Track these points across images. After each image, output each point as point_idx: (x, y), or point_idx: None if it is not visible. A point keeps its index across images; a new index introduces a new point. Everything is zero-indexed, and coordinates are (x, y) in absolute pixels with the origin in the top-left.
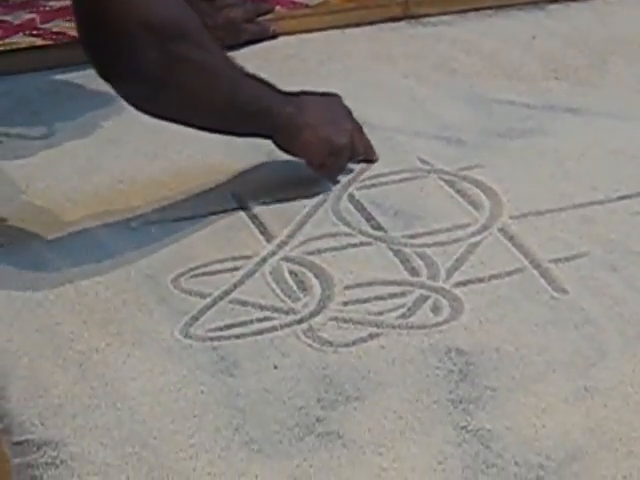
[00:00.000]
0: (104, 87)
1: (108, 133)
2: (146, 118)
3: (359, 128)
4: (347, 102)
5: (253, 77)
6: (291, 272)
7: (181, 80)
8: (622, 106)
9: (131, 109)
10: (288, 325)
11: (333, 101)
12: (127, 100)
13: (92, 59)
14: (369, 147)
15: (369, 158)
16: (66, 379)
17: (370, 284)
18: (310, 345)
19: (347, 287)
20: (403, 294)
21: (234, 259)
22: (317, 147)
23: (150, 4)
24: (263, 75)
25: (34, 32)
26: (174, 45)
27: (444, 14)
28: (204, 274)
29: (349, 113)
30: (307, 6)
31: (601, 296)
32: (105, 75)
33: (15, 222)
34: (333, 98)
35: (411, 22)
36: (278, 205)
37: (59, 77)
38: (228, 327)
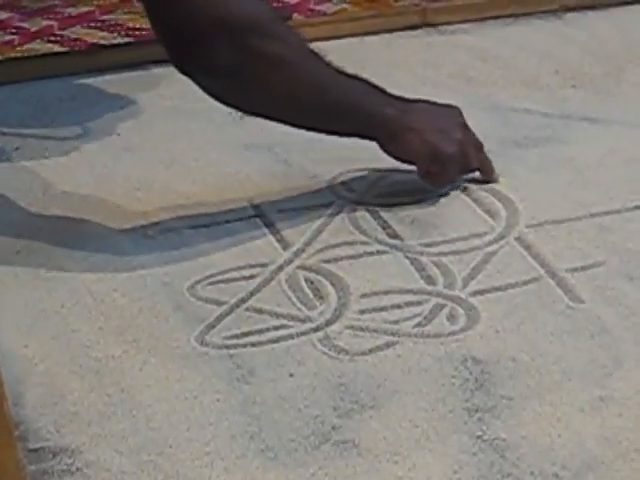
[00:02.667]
0: (122, 93)
1: (125, 140)
2: (163, 125)
3: (477, 144)
4: None
5: (349, 75)
6: (307, 280)
7: (258, 74)
8: (635, 114)
9: (148, 115)
10: (304, 333)
11: (448, 111)
12: (210, 94)
13: (169, 54)
14: (488, 165)
15: (487, 178)
16: (82, 386)
17: (386, 292)
18: (326, 353)
19: (363, 295)
20: (419, 303)
21: (250, 267)
22: (420, 151)
23: None
24: None
25: (52, 38)
26: (248, 38)
27: (462, 22)
28: (220, 282)
29: (465, 126)
30: (325, 14)
31: (617, 305)
32: (183, 70)
33: (32, 228)
34: (450, 109)
35: (429, 30)
36: (295, 213)
37: (77, 83)
38: (244, 335)
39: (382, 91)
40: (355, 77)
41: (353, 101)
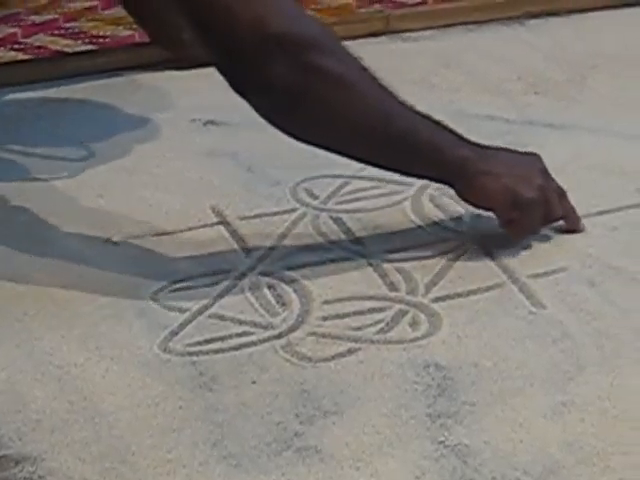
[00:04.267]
0: (86, 101)
1: (88, 147)
2: (127, 132)
3: (560, 191)
4: None
5: (416, 111)
6: (270, 287)
7: (319, 92)
8: (601, 121)
9: (112, 122)
10: (267, 340)
11: (527, 158)
12: (264, 116)
13: (225, 75)
14: (572, 214)
15: (572, 227)
16: (45, 394)
17: (349, 299)
18: (288, 360)
19: (326, 302)
20: (382, 309)
21: (213, 274)
22: (499, 196)
23: (280, 15)
24: None
25: (16, 46)
26: (308, 55)
27: (425, 29)
28: (183, 289)
29: (546, 172)
30: None
31: (579, 311)
32: (238, 89)
33: None
34: (529, 155)
35: (392, 37)
36: (258, 220)
37: (41, 91)
38: (207, 342)
39: (454, 132)
40: (424, 114)
41: (421, 136)
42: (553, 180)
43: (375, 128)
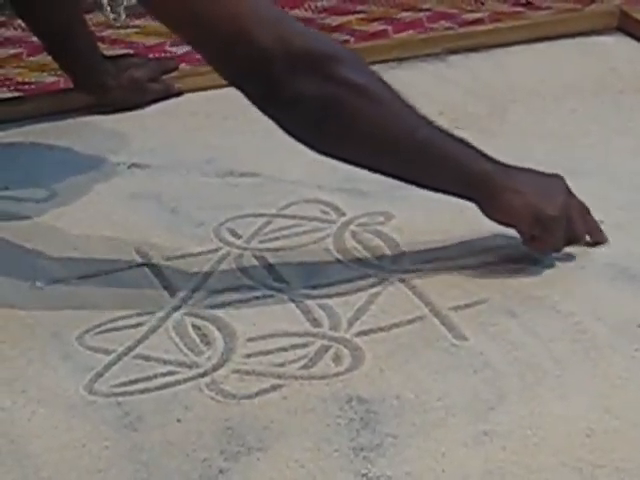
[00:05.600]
0: (11, 147)
1: (14, 193)
2: (52, 177)
3: (583, 208)
4: (250, 154)
5: (440, 127)
6: (194, 326)
7: (347, 103)
8: (520, 152)
9: (37, 168)
10: (191, 379)
11: (551, 178)
12: (292, 132)
13: (248, 93)
14: (596, 229)
15: (597, 240)
16: None
17: (272, 336)
18: (213, 398)
19: (250, 339)
20: (305, 345)
21: (138, 315)
22: (522, 213)
23: (301, 34)
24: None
25: None
26: (333, 68)
27: None
28: (109, 330)
29: (568, 191)
30: None
31: (500, 341)
32: (266, 108)
33: None
34: (552, 176)
35: None
36: (182, 260)
37: None
38: (132, 382)
39: (478, 149)
40: (447, 130)
41: (446, 150)
42: (576, 198)
43: (401, 138)
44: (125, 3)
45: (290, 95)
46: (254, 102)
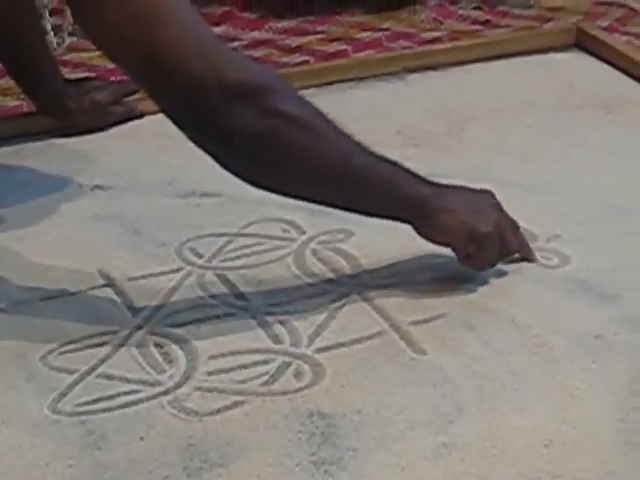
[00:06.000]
0: None
1: None
2: (15, 200)
3: (514, 225)
4: (211, 175)
5: (375, 153)
6: (157, 345)
7: (284, 134)
8: (478, 169)
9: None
10: (154, 397)
11: (482, 194)
12: (226, 165)
13: (181, 125)
14: (526, 247)
15: (527, 258)
16: None
17: (234, 353)
18: (175, 415)
19: (211, 357)
20: (266, 362)
21: (101, 335)
22: (456, 232)
23: (235, 65)
24: (136, 151)
25: None
26: (270, 100)
27: (306, 87)
28: (72, 351)
29: (499, 207)
30: None
31: (459, 355)
32: (199, 140)
33: None
34: (483, 193)
35: None
36: (144, 280)
37: None
38: (96, 401)
39: (411, 172)
40: (381, 155)
41: (381, 176)
42: (507, 215)
43: (337, 167)
44: (70, 29)
45: (225, 128)
46: (189, 135)
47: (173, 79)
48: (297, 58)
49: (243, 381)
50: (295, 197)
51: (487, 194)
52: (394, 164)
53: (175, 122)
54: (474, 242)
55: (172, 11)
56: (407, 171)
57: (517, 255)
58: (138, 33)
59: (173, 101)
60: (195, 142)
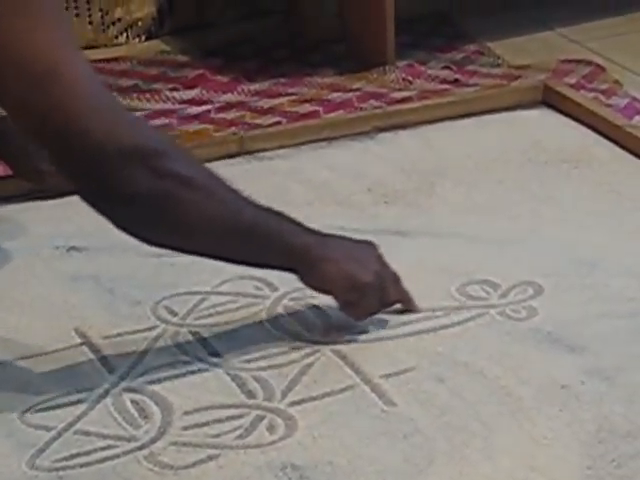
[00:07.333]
0: None
1: None
2: None
3: (395, 276)
4: None
5: (261, 206)
6: (133, 401)
7: (175, 196)
8: (447, 225)
9: None
10: (130, 452)
11: (364, 245)
12: (122, 227)
13: (79, 190)
14: (407, 297)
15: (409, 308)
16: None
17: (208, 409)
18: (151, 469)
19: (186, 412)
20: (240, 416)
21: (78, 392)
22: (338, 281)
23: (129, 128)
24: None
25: None
26: (161, 162)
27: (278, 148)
28: (50, 408)
29: (380, 259)
30: None
31: (429, 406)
32: (94, 202)
33: None
34: (366, 244)
35: (247, 157)
36: (120, 338)
37: None
38: (72, 457)
39: (296, 222)
40: (268, 207)
41: (268, 228)
42: (388, 266)
43: (227, 224)
44: None
45: (120, 191)
46: (84, 196)
47: (70, 143)
48: (270, 119)
49: (217, 435)
50: (189, 253)
51: (370, 245)
52: (282, 216)
53: (71, 182)
54: (354, 291)
55: (71, 71)
56: (292, 222)
57: (399, 305)
58: (35, 92)
59: (70, 164)
60: (90, 203)
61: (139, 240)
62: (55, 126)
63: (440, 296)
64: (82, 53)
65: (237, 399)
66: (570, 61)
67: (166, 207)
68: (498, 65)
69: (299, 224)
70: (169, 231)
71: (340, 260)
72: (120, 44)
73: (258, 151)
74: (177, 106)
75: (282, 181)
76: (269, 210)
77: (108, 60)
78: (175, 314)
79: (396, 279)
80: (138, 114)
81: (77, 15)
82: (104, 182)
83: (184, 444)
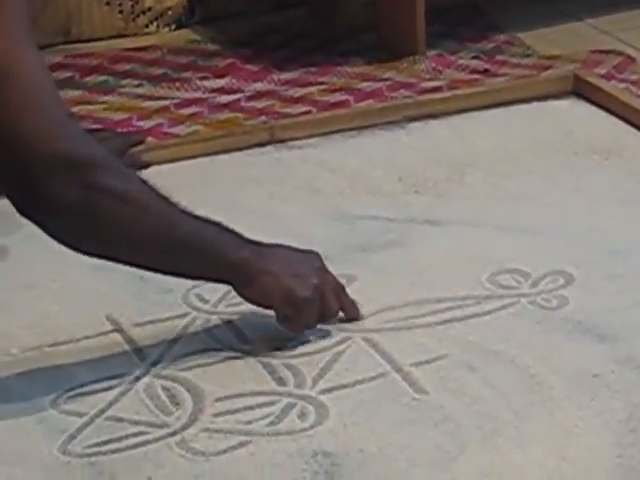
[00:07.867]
0: None
1: None
2: (22, 250)
3: (337, 287)
4: None
5: (199, 217)
6: (164, 388)
7: (106, 210)
8: (477, 214)
9: (8, 241)
10: (162, 438)
11: (306, 256)
12: (54, 237)
13: (9, 196)
14: (350, 307)
15: (351, 317)
16: None
17: (239, 396)
18: (183, 456)
19: (218, 399)
20: (271, 403)
21: (109, 379)
22: (276, 295)
23: (65, 137)
24: None
25: None
26: (93, 175)
27: (309, 137)
28: (81, 394)
29: (323, 270)
30: (178, 135)
31: (460, 395)
32: (25, 213)
33: None
34: (307, 254)
35: (277, 146)
36: (151, 326)
37: None
38: (104, 443)
39: (235, 234)
40: (206, 219)
41: (204, 242)
42: (331, 276)
43: (161, 237)
44: None
45: (50, 202)
46: (15, 205)
47: (1, 143)
48: (299, 108)
49: (249, 422)
50: (125, 264)
51: (312, 255)
52: (218, 226)
53: (5, 194)
54: (291, 305)
55: (18, 71)
56: (234, 234)
57: (342, 315)
58: None
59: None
60: (21, 214)
61: (70, 249)
62: None
63: (471, 285)
64: (34, 53)
65: (268, 386)
66: (600, 52)
67: (96, 220)
68: (528, 55)
69: (239, 236)
70: (99, 244)
71: (279, 274)
72: (150, 33)
73: (288, 140)
74: (207, 95)
75: (312, 170)
76: (208, 223)
77: (138, 49)
78: (206, 301)
79: (338, 289)
80: (167, 103)
81: (107, 4)
82: (35, 190)
83: (215, 431)
